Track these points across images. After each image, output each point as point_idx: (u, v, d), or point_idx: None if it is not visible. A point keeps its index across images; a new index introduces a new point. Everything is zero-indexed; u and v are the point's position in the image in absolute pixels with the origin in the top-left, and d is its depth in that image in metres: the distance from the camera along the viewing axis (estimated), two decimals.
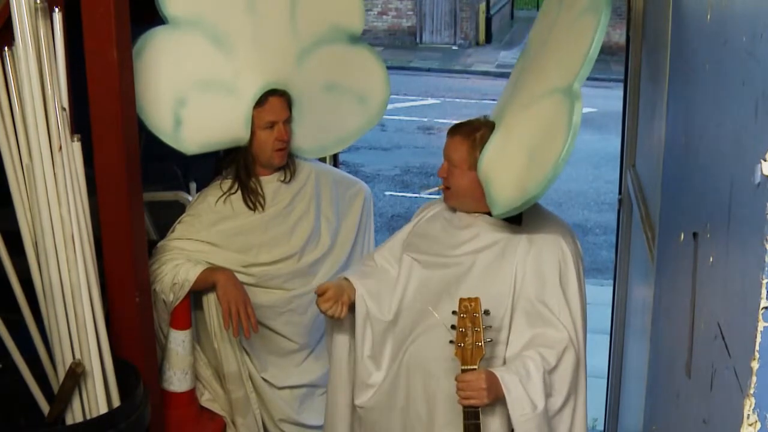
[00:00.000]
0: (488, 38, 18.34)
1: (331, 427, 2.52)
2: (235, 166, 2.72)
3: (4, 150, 2.20)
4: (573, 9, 2.19)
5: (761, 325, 0.96)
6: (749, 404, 0.99)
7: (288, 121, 2.72)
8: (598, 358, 3.46)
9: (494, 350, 2.19)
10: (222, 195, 2.71)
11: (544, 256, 2.22)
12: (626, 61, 3.15)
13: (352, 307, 2.36)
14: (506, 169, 2.17)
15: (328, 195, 2.87)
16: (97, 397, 2.23)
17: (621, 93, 3.34)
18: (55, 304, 2.19)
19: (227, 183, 2.73)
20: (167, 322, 2.66)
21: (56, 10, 2.14)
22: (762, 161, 0.96)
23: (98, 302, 2.24)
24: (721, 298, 1.19)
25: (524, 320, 2.19)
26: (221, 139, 2.69)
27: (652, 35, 2.56)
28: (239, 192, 2.71)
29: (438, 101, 13.21)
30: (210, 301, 2.68)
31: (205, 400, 2.80)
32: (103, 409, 2.24)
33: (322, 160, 3.13)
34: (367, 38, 4.90)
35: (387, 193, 8.64)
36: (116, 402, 2.29)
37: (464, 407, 2.06)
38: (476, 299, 2.08)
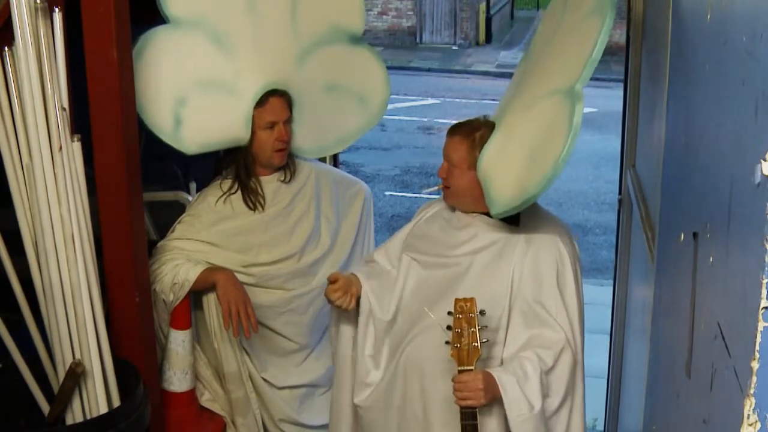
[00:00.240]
0: (488, 38, 18.34)
1: (336, 425, 2.53)
2: (235, 166, 2.72)
3: (4, 150, 2.20)
4: (578, 11, 2.20)
5: (761, 325, 0.96)
6: (749, 404, 0.99)
7: (288, 121, 2.72)
8: (598, 358, 3.46)
9: (491, 351, 2.19)
10: (222, 195, 2.71)
11: (541, 257, 2.22)
12: (626, 61, 3.14)
13: (358, 302, 2.37)
14: (506, 168, 2.17)
15: (328, 195, 2.87)
16: (97, 397, 2.23)
17: (621, 93, 3.34)
18: (55, 304, 2.19)
19: (227, 183, 2.73)
20: (167, 322, 2.66)
21: (56, 10, 2.14)
22: (762, 161, 0.96)
23: (98, 302, 2.24)
24: (721, 298, 1.19)
25: (521, 321, 2.19)
26: (221, 139, 2.69)
27: (652, 35, 2.56)
28: (239, 192, 2.71)
29: (438, 101, 13.21)
30: (210, 301, 2.68)
31: (205, 400, 2.80)
32: (103, 409, 2.24)
33: (322, 160, 3.13)
34: (367, 38, 4.90)
35: (387, 193, 8.64)
36: (116, 402, 2.29)
37: (461, 408, 2.05)
38: (471, 299, 2.07)
